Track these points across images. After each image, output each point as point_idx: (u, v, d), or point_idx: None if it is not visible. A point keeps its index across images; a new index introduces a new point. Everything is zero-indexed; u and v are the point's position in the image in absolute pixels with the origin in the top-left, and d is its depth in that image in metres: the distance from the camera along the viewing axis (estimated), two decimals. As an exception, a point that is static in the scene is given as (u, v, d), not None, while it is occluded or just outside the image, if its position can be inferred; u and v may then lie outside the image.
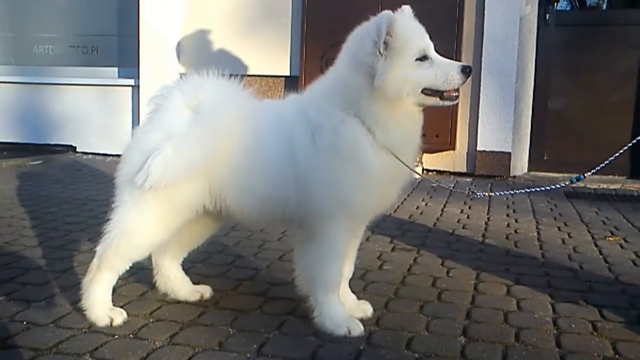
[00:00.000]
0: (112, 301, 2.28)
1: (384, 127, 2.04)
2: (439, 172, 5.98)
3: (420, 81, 2.01)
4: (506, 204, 4.66)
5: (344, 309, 2.21)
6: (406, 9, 2.11)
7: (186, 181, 2.11)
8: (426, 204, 4.60)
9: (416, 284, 2.75)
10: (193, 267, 2.81)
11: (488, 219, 4.13)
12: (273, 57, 6.21)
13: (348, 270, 2.34)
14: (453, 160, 5.90)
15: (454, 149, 5.80)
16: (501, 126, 5.65)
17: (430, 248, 3.34)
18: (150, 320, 2.27)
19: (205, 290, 2.49)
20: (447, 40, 5.47)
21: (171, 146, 2.07)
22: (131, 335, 2.13)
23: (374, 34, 1.98)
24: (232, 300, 2.49)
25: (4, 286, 2.61)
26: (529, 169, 6.11)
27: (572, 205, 4.63)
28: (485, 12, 5.59)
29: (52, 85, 7.02)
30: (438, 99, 2.05)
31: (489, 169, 5.74)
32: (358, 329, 2.14)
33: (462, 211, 4.36)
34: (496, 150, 5.70)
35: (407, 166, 2.11)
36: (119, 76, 6.93)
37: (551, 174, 5.89)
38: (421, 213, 4.29)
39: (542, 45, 6.00)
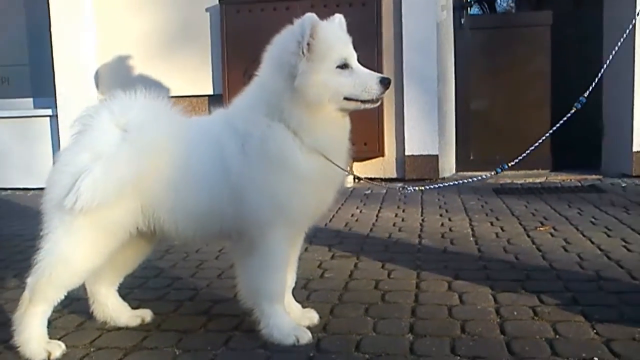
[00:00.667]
0: (49, 334, 2.16)
1: (309, 130, 2.05)
2: (370, 179, 6.03)
3: (339, 89, 2.03)
4: (438, 204, 4.75)
5: (291, 318, 2.18)
6: (337, 17, 2.15)
7: (118, 201, 2.04)
8: (360, 211, 4.63)
9: (359, 288, 2.75)
10: (130, 293, 2.72)
11: (422, 220, 4.20)
12: (195, 77, 6.14)
13: (290, 279, 2.32)
14: (383, 166, 5.98)
15: (383, 155, 5.88)
16: (427, 130, 5.78)
17: (369, 253, 3.36)
18: (91, 349, 2.18)
19: (146, 314, 2.41)
20: (368, 49, 5.55)
21: (100, 166, 2.00)
22: (71, 367, 2.04)
23: (298, 34, 1.99)
24: (174, 322, 2.42)
25: None
26: (457, 170, 6.26)
27: (501, 201, 4.77)
28: (403, 19, 5.72)
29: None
30: (359, 103, 2.07)
31: (418, 172, 5.84)
32: (306, 337, 2.12)
33: (396, 215, 4.41)
34: (424, 153, 5.81)
35: (337, 165, 2.10)
36: (35, 107, 6.66)
37: (478, 173, 6.03)
38: (356, 220, 4.31)
39: (460, 49, 6.18)
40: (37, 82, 6.76)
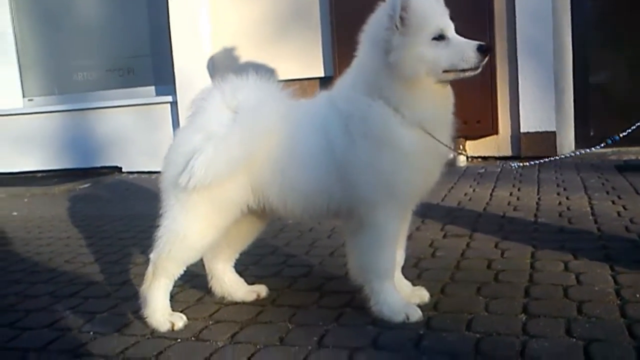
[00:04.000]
0: (171, 307, 2.32)
1: (409, 105, 2.03)
2: (484, 158, 5.89)
3: (437, 62, 1.99)
4: (556, 182, 4.56)
5: (401, 296, 2.20)
6: None
7: (229, 180, 2.13)
8: (474, 190, 4.53)
9: (471, 267, 2.71)
10: (246, 269, 2.84)
11: (539, 199, 4.05)
12: (306, 60, 6.23)
13: (400, 256, 2.33)
14: (497, 144, 5.82)
15: (497, 133, 5.72)
16: (543, 105, 5.55)
17: (482, 232, 3.29)
18: (210, 322, 2.30)
19: (262, 290, 2.51)
20: (479, 22, 5.41)
21: (212, 146, 2.09)
22: (193, 338, 2.16)
23: (389, 8, 1.99)
24: (288, 297, 2.50)
25: (68, 301, 2.69)
26: (576, 147, 5.97)
27: (624, 179, 4.51)
28: (516, -10, 5.50)
29: (94, 109, 7.18)
30: (458, 72, 2.03)
31: (535, 150, 5.62)
32: (416, 315, 2.13)
33: (511, 194, 4.29)
34: (540, 130, 5.59)
35: (439, 141, 2.07)
36: (157, 94, 7.06)
37: (600, 150, 5.74)
38: (470, 199, 4.23)
39: (578, 19, 5.86)
40: (158, 71, 7.15)
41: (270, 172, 2.17)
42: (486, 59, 2.02)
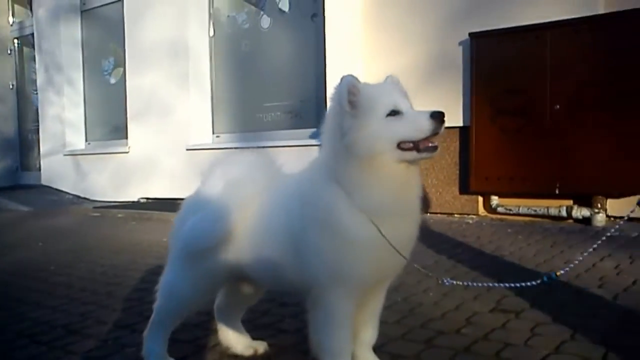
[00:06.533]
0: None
1: (362, 189, 2.02)
2: (631, 219, 5.33)
3: (392, 135, 1.97)
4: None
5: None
6: (389, 78, 2.18)
7: (211, 249, 2.34)
8: (583, 259, 4.13)
9: (481, 352, 2.59)
10: (282, 321, 3.04)
11: (643, 276, 3.63)
12: (446, 109, 6.15)
13: (369, 336, 2.33)
14: (646, 205, 5.23)
15: (644, 192, 5.15)
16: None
17: (539, 309, 3.06)
18: (202, 372, 2.55)
19: (260, 346, 2.69)
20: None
21: (199, 217, 2.34)
22: (173, 385, 2.43)
23: (337, 95, 2.04)
24: (284, 356, 2.65)
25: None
26: None
27: None
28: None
29: (267, 148, 7.81)
30: (415, 152, 1.98)
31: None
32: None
33: (617, 266, 3.85)
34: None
35: (382, 234, 2.01)
36: (316, 137, 7.51)
37: None
38: (567, 269, 3.88)
39: None
40: (319, 115, 7.62)
41: (246, 245, 2.32)
42: (442, 126, 1.98)
